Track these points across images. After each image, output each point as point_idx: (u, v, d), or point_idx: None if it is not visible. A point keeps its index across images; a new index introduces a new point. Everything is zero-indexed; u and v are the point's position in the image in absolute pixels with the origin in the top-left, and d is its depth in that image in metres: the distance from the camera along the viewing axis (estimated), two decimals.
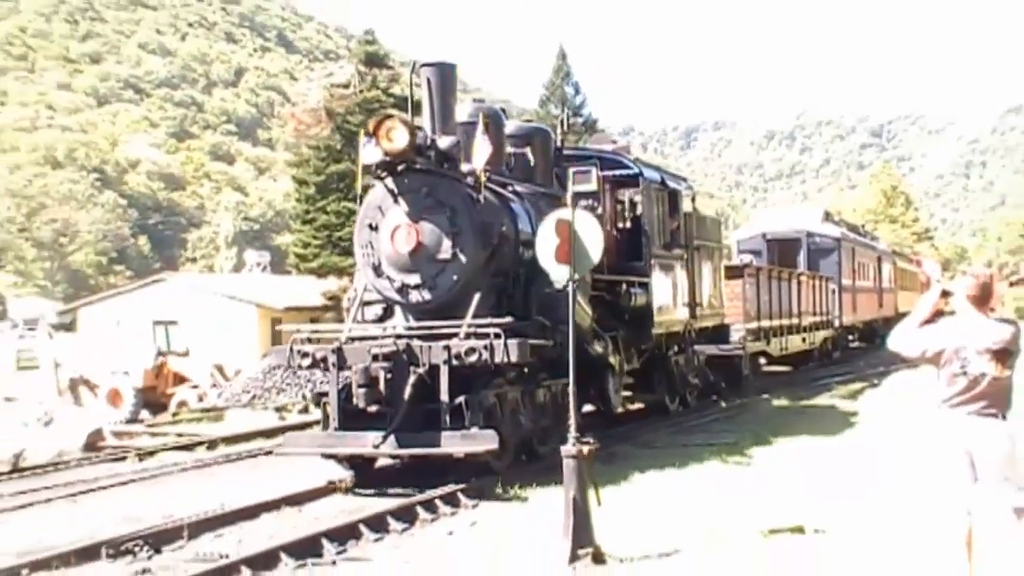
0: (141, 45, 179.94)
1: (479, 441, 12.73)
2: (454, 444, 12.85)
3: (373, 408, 13.18)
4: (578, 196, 17.27)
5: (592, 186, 17.40)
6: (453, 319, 13.51)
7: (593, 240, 10.04)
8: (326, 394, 13.70)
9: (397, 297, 14.12)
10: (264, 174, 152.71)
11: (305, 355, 13.77)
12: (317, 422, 15.76)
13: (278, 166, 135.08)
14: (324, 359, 13.59)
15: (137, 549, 10.13)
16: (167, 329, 28.19)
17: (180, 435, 21.00)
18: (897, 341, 7.34)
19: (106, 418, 21.53)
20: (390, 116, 13.70)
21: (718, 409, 21.56)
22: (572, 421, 9.50)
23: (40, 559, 9.57)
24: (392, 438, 13.03)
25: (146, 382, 24.49)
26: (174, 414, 24.71)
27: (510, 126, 16.79)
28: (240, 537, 10.79)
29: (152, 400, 24.34)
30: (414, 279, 13.93)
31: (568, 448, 8.97)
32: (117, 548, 10.06)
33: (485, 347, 12.94)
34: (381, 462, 14.29)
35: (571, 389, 10.22)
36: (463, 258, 13.77)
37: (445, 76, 14.57)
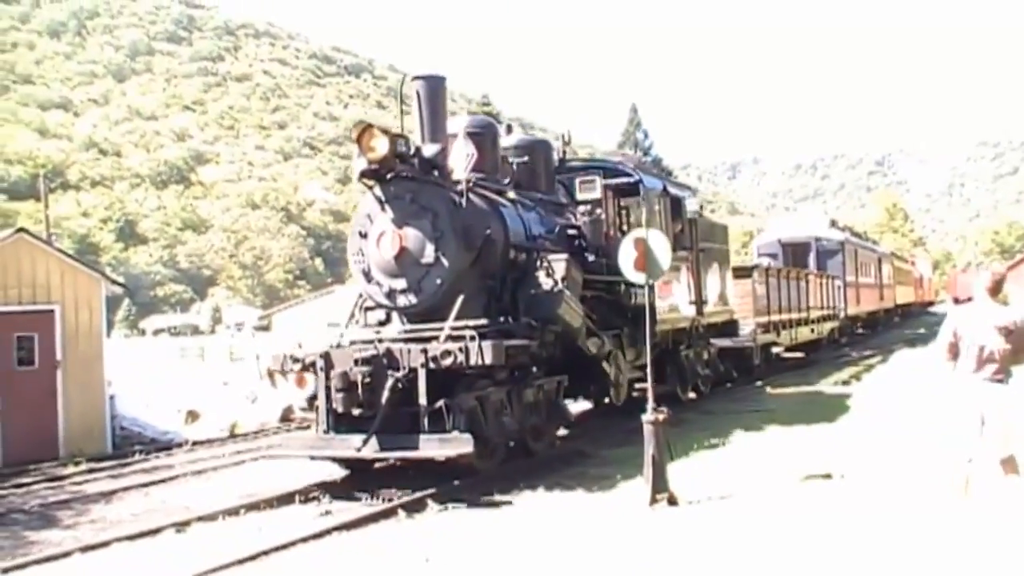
0: (315, 114, 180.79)
1: (454, 445, 9.45)
2: (431, 448, 9.57)
3: (356, 412, 9.99)
4: (583, 203, 13.98)
5: (596, 194, 13.93)
6: (441, 322, 10.23)
7: (662, 253, 9.29)
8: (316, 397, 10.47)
9: (386, 302, 10.86)
10: None
11: (296, 360, 10.59)
12: None
13: None
14: (313, 363, 10.40)
15: (320, 496, 9.86)
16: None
17: None
18: (937, 356, 7.22)
19: (294, 397, 20.49)
20: (370, 126, 10.43)
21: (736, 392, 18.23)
22: (650, 394, 8.94)
23: (254, 501, 9.66)
24: (375, 441, 9.83)
25: None
26: None
27: (512, 139, 13.39)
28: None
29: None
30: (400, 283, 10.66)
31: (648, 416, 8.52)
32: (306, 495, 9.95)
33: (460, 350, 9.63)
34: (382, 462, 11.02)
35: (649, 371, 9.52)
36: (445, 261, 10.45)
37: (434, 88, 11.23)
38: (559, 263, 11.24)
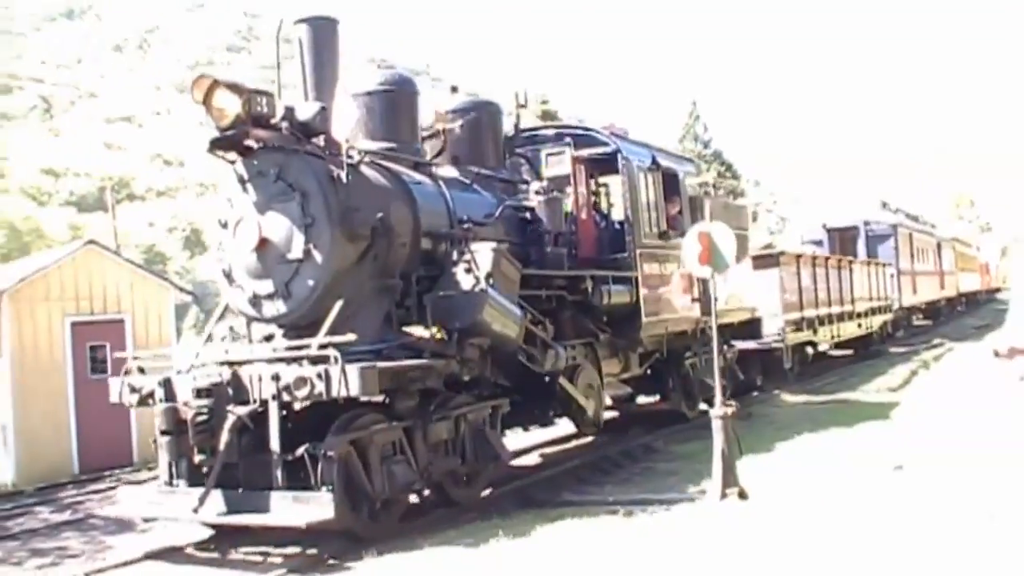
0: None
1: (312, 507, 6.70)
2: (283, 511, 6.83)
3: (197, 459, 7.32)
4: (550, 181, 11.11)
5: (566, 168, 11.05)
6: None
7: (727, 246, 8.42)
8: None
9: (251, 310, 8.12)
10: None
11: (134, 390, 7.92)
12: None
13: None
14: (151, 394, 7.72)
15: None
16: None
17: None
18: None
19: None
20: (216, 81, 7.66)
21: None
22: (718, 388, 8.36)
23: None
24: (220, 499, 7.13)
25: None
26: None
27: (448, 102, 10.53)
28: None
29: None
30: (266, 286, 7.92)
31: (716, 410, 7.98)
32: None
33: (319, 376, 6.86)
34: None
35: (715, 367, 8.66)
36: (318, 256, 7.69)
37: (321, 34, 8.50)
38: (484, 254, 8.37)
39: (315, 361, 7.05)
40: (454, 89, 11.03)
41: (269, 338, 8.51)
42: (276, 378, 7.00)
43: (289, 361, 7.34)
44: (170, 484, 7.65)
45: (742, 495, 7.79)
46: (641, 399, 14.05)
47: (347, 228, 7.69)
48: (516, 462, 11.15)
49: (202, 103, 7.71)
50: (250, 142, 7.93)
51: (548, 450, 12.18)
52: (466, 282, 8.21)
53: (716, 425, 7.97)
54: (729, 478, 7.82)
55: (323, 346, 7.09)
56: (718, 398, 8.23)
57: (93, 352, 13.49)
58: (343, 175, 7.74)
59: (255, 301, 7.95)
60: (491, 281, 8.22)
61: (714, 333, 8.84)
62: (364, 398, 7.38)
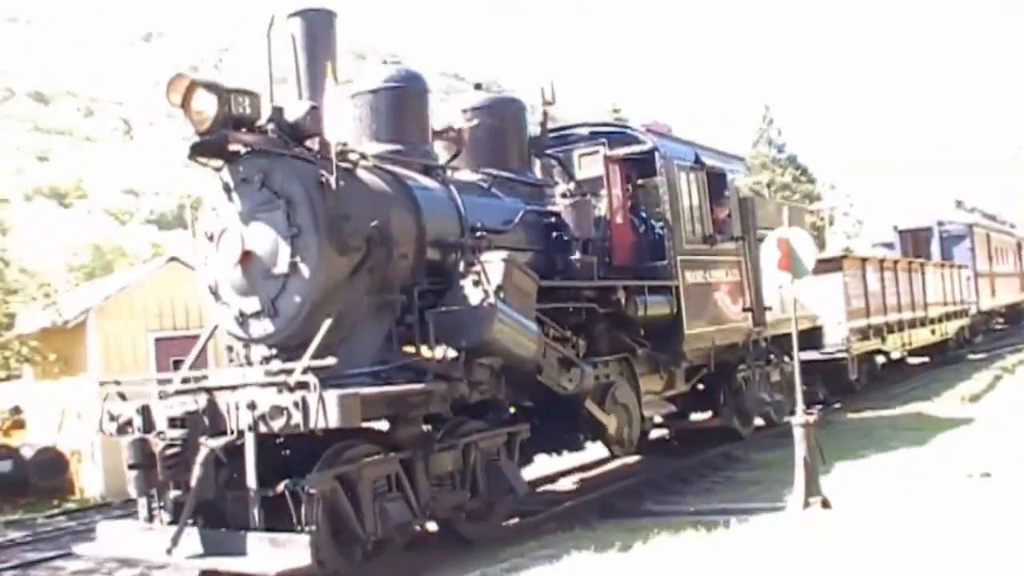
0: None
1: (288, 552, 5.88)
2: (260, 556, 6.01)
3: (173, 494, 6.58)
4: (583, 183, 10.18)
5: (600, 169, 10.10)
6: (318, 359, 6.63)
7: (807, 252, 8.20)
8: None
9: (238, 331, 7.34)
10: None
11: (112, 418, 7.22)
12: None
13: None
14: (129, 422, 7.01)
15: None
16: None
17: None
18: None
19: None
20: (194, 82, 6.92)
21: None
22: (799, 396, 8.05)
23: None
24: (196, 539, 6.37)
25: None
26: None
27: (467, 99, 9.67)
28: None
29: None
30: (252, 304, 7.13)
31: (798, 418, 7.74)
32: None
33: (296, 404, 6.04)
34: None
35: (796, 374, 8.34)
36: (305, 270, 6.86)
37: (316, 28, 7.69)
38: (494, 265, 7.47)
39: (296, 387, 6.24)
40: (478, 86, 10.17)
41: (268, 360, 7.74)
42: (252, 407, 6.21)
43: (278, 387, 6.55)
44: (149, 521, 6.91)
45: (825, 504, 7.65)
46: (695, 416, 12.97)
47: (336, 238, 6.86)
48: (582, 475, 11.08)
49: (180, 107, 6.99)
50: (234, 146, 7.18)
51: (628, 460, 11.60)
52: (474, 296, 7.32)
53: (798, 434, 7.79)
54: (812, 487, 7.65)
55: (307, 370, 6.28)
56: (799, 406, 7.98)
57: (176, 368, 13.37)
58: (332, 180, 6.92)
59: (242, 320, 7.18)
60: (502, 294, 7.32)
61: (794, 339, 8.49)
62: (367, 424, 6.63)
